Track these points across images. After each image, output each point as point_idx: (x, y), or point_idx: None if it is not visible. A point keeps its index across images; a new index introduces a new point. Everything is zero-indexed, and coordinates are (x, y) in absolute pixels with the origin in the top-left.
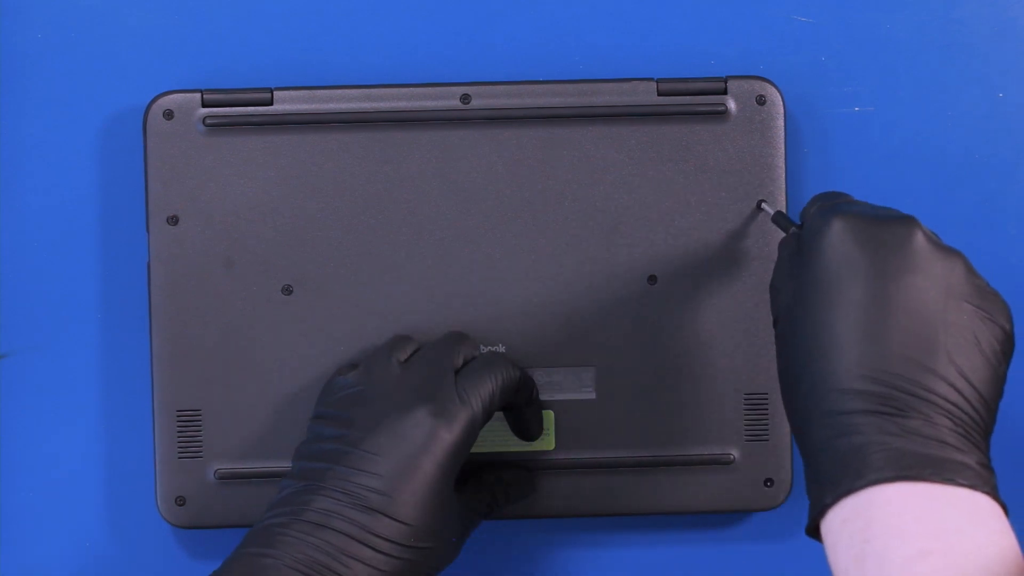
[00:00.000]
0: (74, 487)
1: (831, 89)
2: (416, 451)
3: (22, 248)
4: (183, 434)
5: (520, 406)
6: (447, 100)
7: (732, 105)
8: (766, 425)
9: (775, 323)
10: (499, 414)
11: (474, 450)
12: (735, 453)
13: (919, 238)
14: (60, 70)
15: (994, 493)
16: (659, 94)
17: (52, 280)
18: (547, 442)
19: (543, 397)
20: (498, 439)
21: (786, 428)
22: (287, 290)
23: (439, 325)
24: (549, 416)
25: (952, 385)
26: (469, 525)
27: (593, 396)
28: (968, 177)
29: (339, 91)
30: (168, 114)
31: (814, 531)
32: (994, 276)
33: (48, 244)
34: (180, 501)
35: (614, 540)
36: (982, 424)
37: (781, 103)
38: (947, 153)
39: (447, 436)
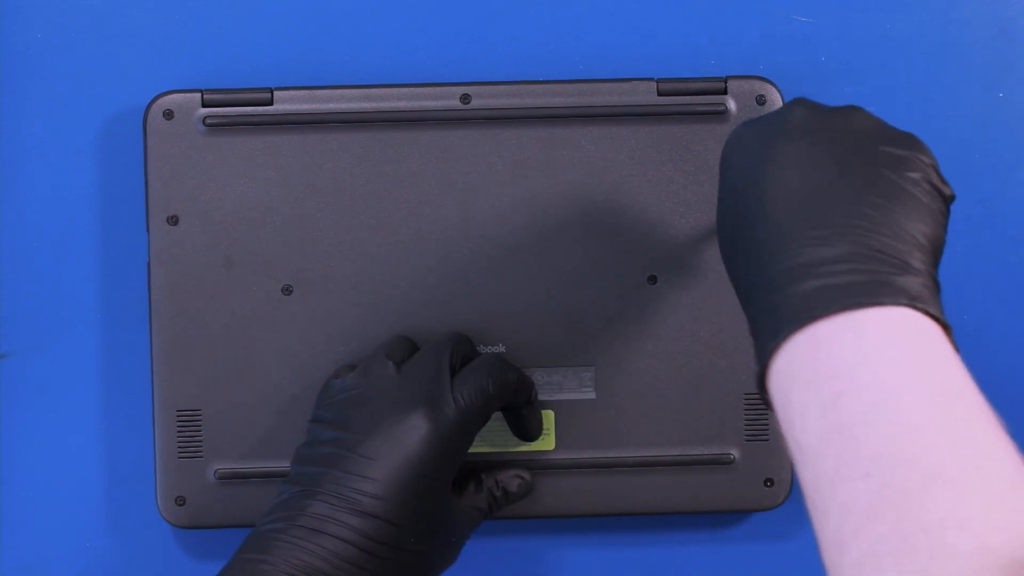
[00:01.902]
0: (74, 487)
1: (831, 89)
2: (411, 455)
3: (22, 248)
4: (183, 434)
5: (519, 407)
6: (447, 100)
7: (732, 105)
8: (766, 425)
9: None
10: (499, 414)
11: (473, 450)
12: (735, 453)
13: (800, 106)
14: (60, 70)
15: (926, 308)
16: (659, 94)
17: (52, 280)
18: (547, 442)
19: (543, 397)
20: (498, 439)
21: None
22: (287, 290)
23: (439, 325)
24: (549, 416)
25: (872, 211)
26: (469, 526)
27: (593, 396)
28: (968, 177)
29: (339, 91)
30: (168, 114)
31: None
32: (994, 276)
33: (48, 244)
34: (180, 501)
35: (614, 540)
36: (917, 245)
37: (781, 103)
38: (947, 153)
39: (442, 439)
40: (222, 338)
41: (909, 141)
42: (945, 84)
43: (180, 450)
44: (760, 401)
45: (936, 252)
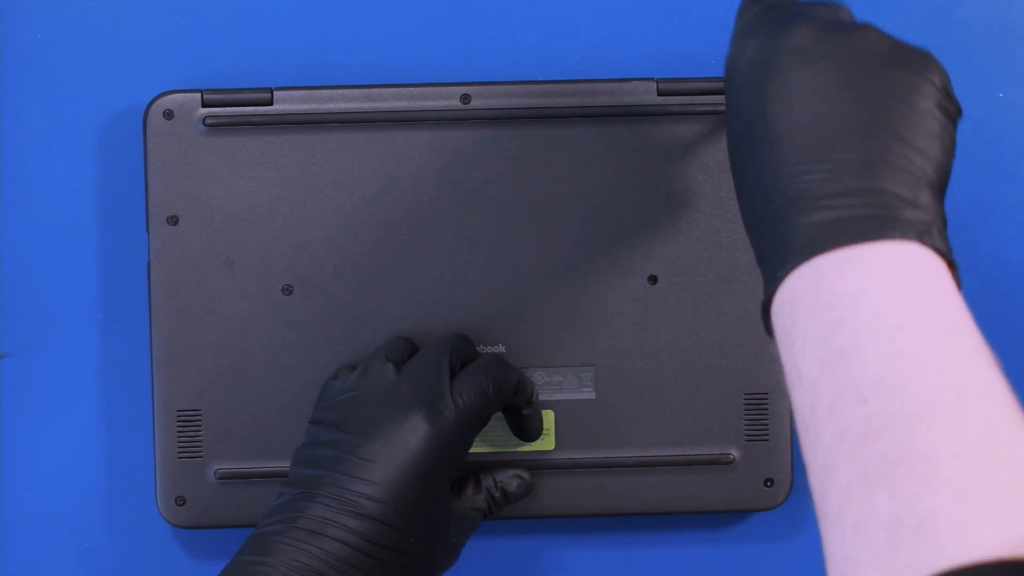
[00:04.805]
0: (74, 487)
1: None
2: (411, 457)
3: (22, 248)
4: (183, 434)
5: (519, 408)
6: (447, 100)
7: None
8: (766, 425)
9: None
10: (499, 414)
11: (473, 450)
12: (735, 453)
13: (808, 26)
14: (60, 70)
15: (933, 243)
16: (659, 94)
17: (52, 280)
18: (547, 442)
19: (543, 397)
20: (498, 439)
21: (786, 428)
22: (287, 290)
23: (439, 325)
24: (549, 416)
25: (883, 143)
26: (469, 526)
27: (593, 396)
28: (968, 177)
29: (339, 91)
30: (168, 114)
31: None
32: (994, 276)
33: (48, 244)
34: (180, 501)
35: (614, 540)
36: (926, 179)
37: None
38: None
39: (442, 442)
40: (222, 338)
41: (920, 62)
42: None
43: (180, 450)
44: (761, 405)
45: (944, 181)
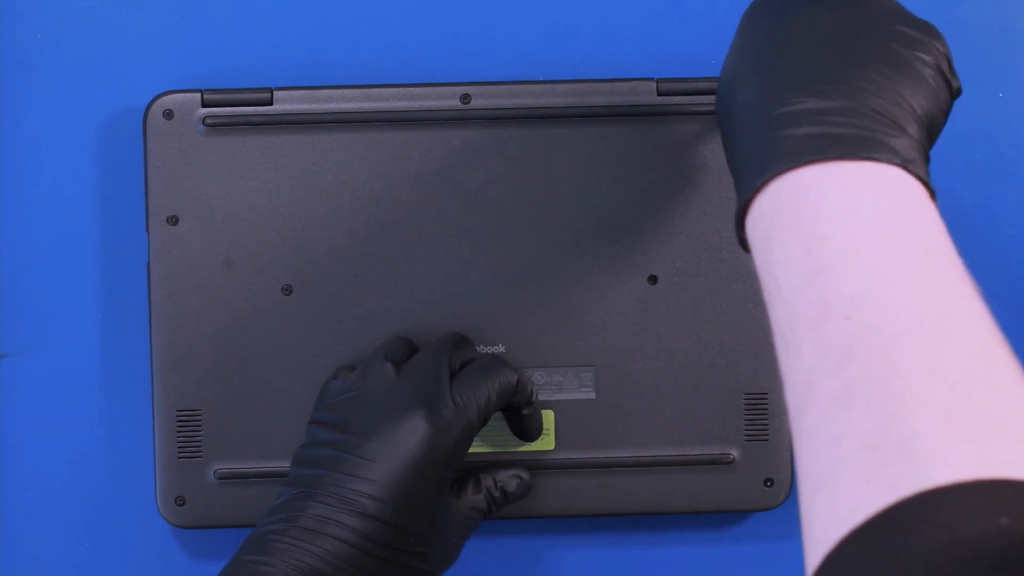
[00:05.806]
0: (74, 487)
1: None
2: (411, 456)
3: (22, 248)
4: (183, 434)
5: (519, 408)
6: (447, 100)
7: None
8: (766, 425)
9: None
10: (499, 414)
11: (473, 450)
12: (735, 453)
13: None
14: (60, 70)
15: (917, 172)
16: (659, 94)
17: (52, 280)
18: (547, 442)
19: (543, 397)
20: (498, 439)
21: (786, 428)
22: (287, 290)
23: (439, 325)
24: (549, 416)
25: (879, 78)
26: (469, 526)
27: (593, 396)
28: (968, 177)
29: (339, 91)
30: (168, 114)
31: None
32: (994, 276)
33: (48, 244)
34: (180, 501)
35: (614, 540)
36: (916, 119)
37: None
38: (947, 153)
39: (442, 441)
40: (222, 338)
41: (926, 27)
42: None
43: (180, 450)
44: (761, 405)
45: (933, 131)
